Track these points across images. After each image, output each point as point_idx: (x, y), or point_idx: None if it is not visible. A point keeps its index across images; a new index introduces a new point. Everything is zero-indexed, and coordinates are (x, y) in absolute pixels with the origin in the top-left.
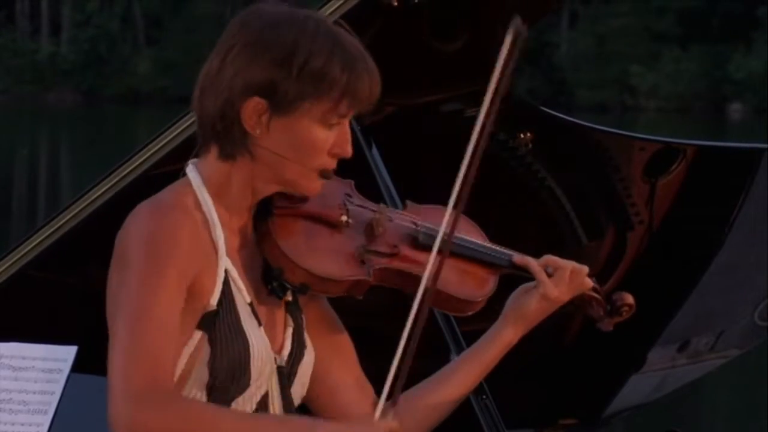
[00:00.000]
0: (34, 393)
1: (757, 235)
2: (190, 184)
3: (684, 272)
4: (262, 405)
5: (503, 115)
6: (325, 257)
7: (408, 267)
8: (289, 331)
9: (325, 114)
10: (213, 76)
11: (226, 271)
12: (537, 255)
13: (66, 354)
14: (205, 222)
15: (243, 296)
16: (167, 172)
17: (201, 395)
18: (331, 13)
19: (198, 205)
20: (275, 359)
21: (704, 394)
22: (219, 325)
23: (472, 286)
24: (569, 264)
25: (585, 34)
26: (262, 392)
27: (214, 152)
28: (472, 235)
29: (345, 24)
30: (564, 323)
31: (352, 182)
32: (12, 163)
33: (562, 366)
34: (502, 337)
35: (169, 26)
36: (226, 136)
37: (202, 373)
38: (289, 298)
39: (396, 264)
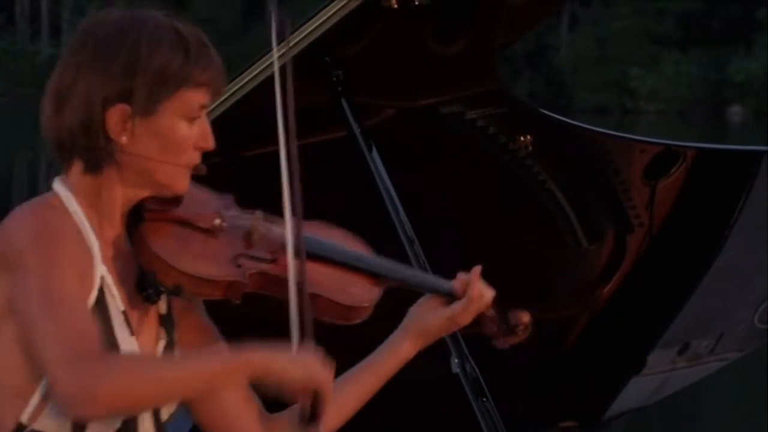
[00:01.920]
0: None
1: (757, 238)
2: (57, 196)
3: (684, 275)
4: (132, 422)
5: (504, 117)
6: (198, 259)
7: (286, 273)
8: (161, 344)
9: (185, 109)
10: (67, 90)
11: (102, 277)
12: (537, 256)
13: None
14: (79, 230)
15: (117, 304)
16: None
17: None
18: (330, 16)
19: (68, 213)
20: None
21: (704, 395)
22: None
23: (355, 293)
24: (482, 288)
25: (585, 36)
26: None
27: (78, 167)
28: (355, 247)
29: (178, 17)
30: (564, 326)
31: (233, 197)
32: (12, 165)
33: (562, 369)
34: (401, 351)
35: None
36: (91, 149)
37: None
38: (163, 311)
39: (272, 270)
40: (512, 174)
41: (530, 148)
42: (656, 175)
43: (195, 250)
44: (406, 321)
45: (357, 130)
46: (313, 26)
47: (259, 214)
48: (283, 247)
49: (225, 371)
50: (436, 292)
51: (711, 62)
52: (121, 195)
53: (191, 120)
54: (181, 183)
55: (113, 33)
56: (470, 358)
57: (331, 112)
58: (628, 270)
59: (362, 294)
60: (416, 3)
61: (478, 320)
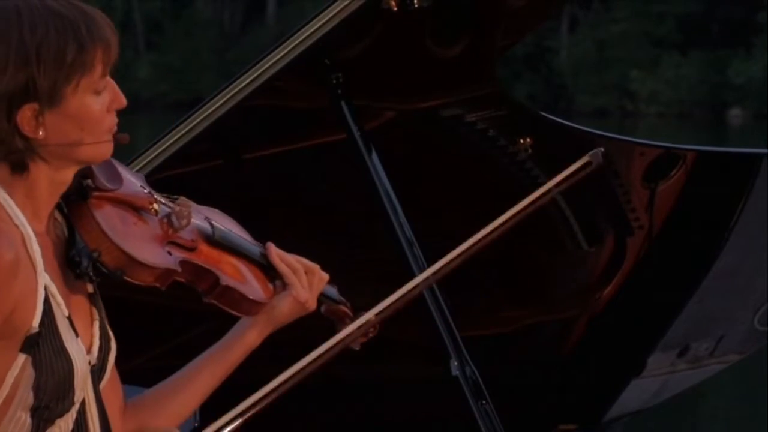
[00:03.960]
0: None
1: (757, 241)
2: (0, 205)
3: (684, 277)
4: (81, 413)
5: (503, 120)
6: (140, 243)
7: (205, 262)
8: (96, 324)
9: (89, 86)
10: None
11: (45, 288)
12: (537, 258)
13: None
14: (22, 238)
15: (62, 310)
16: (167, 176)
17: (26, 416)
18: (330, 19)
19: (10, 219)
20: (89, 362)
21: (704, 398)
22: (42, 346)
23: (256, 286)
24: (304, 264)
25: (585, 39)
26: (80, 400)
27: (5, 170)
28: (244, 235)
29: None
30: (564, 328)
31: (143, 175)
32: None
33: (561, 371)
34: (246, 339)
35: (169, 31)
36: (11, 152)
37: (26, 396)
38: (90, 289)
39: (195, 258)
40: (512, 176)
41: (530, 150)
42: (656, 177)
43: (134, 231)
44: None
45: (357, 133)
46: (313, 29)
47: (182, 199)
48: (200, 235)
49: None
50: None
51: (711, 65)
52: (53, 182)
53: (98, 93)
54: (106, 151)
55: None
56: (470, 360)
57: (331, 114)
58: (627, 272)
59: (263, 288)
60: (416, 5)
61: (337, 317)
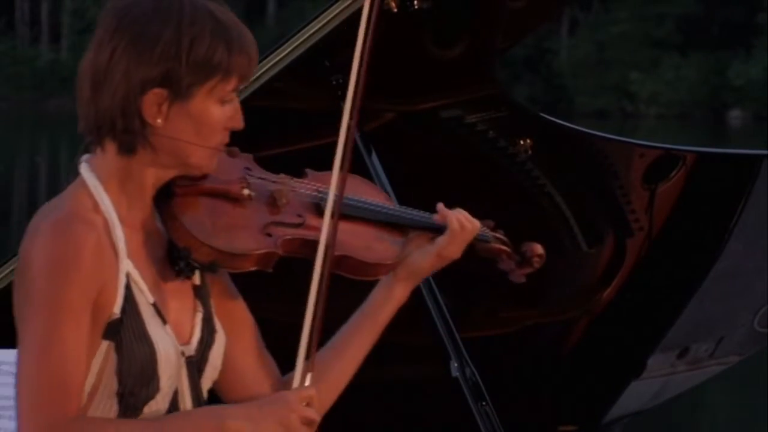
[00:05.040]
0: None
1: (757, 242)
2: (85, 186)
3: (683, 279)
4: (174, 403)
5: (503, 121)
6: (231, 233)
7: (315, 235)
8: (199, 317)
9: (219, 93)
10: (103, 73)
11: (127, 274)
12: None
13: None
14: (105, 225)
15: (146, 297)
16: None
17: (112, 404)
18: (330, 20)
19: (96, 207)
20: (183, 352)
21: (704, 399)
22: (124, 332)
23: (380, 249)
24: (462, 217)
25: (585, 40)
26: (172, 392)
27: (111, 148)
28: (377, 198)
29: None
30: (564, 330)
31: (252, 156)
32: (12, 170)
33: (561, 372)
34: (394, 294)
35: None
36: (127, 131)
37: (111, 382)
38: (197, 281)
39: (302, 233)
40: (512, 178)
41: (530, 151)
42: (656, 179)
43: (226, 222)
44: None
45: (356, 135)
46: (313, 30)
47: (282, 176)
48: (309, 208)
49: None
50: (420, 228)
51: (711, 66)
52: (153, 176)
53: (223, 102)
54: (211, 163)
55: (152, 16)
56: (470, 361)
57: (331, 116)
58: (627, 274)
59: (386, 250)
60: (416, 6)
61: (494, 256)
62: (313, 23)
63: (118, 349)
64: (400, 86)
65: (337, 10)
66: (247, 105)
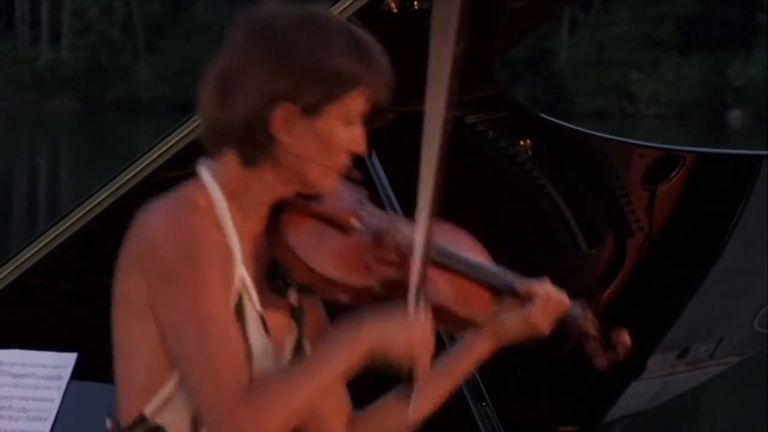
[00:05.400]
0: (34, 400)
1: (757, 242)
2: (203, 187)
3: (684, 279)
4: None
5: (503, 121)
6: (332, 259)
7: (413, 280)
8: (291, 338)
9: (347, 114)
10: (234, 82)
11: (241, 279)
12: (535, 262)
13: (66, 361)
14: (219, 227)
15: (254, 305)
16: (167, 179)
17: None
18: None
19: (211, 207)
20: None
21: (704, 400)
22: None
23: (474, 305)
24: (544, 288)
25: (585, 41)
26: None
27: (233, 157)
28: (476, 255)
29: (353, 20)
30: (563, 330)
31: (367, 192)
32: (12, 170)
33: (561, 373)
34: (475, 349)
35: (169, 34)
36: (251, 142)
37: None
38: (295, 303)
39: (400, 275)
40: (511, 178)
41: (530, 152)
42: (656, 179)
43: (330, 249)
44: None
45: None
46: None
47: (391, 215)
48: (412, 253)
49: (350, 363)
50: (513, 292)
51: (711, 66)
52: (270, 190)
53: (349, 124)
54: (329, 184)
55: (288, 30)
56: None
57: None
58: (627, 274)
59: (481, 307)
60: (416, 7)
61: (580, 338)
62: None
63: None
64: (400, 86)
65: (337, 11)
66: None
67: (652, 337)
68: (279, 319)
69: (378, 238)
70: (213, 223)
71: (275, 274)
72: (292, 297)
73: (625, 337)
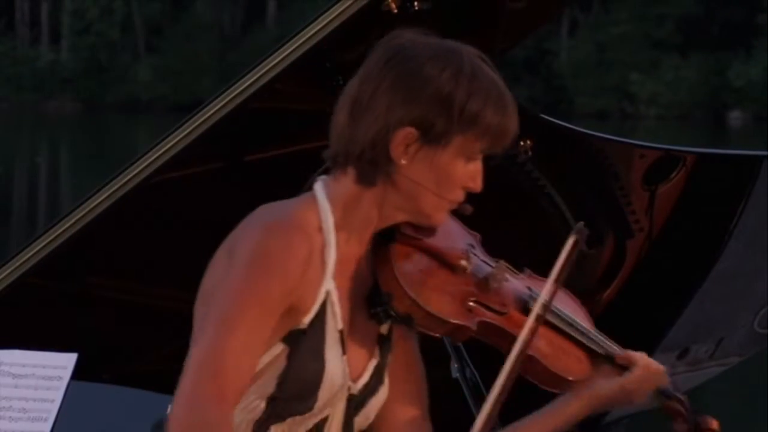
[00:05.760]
0: (34, 400)
1: (757, 243)
2: (315, 203)
3: (683, 280)
4: (318, 427)
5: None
6: (435, 294)
7: (512, 329)
8: (373, 363)
9: (470, 150)
10: (364, 104)
11: (327, 292)
12: (536, 262)
13: (66, 361)
14: (322, 245)
15: (336, 322)
16: (167, 179)
17: (259, 404)
18: (330, 21)
19: (319, 226)
20: (349, 387)
21: (704, 400)
22: (302, 344)
23: (568, 363)
24: (643, 358)
25: (585, 41)
26: (322, 416)
27: (351, 175)
28: (579, 318)
29: (486, 59)
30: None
31: (479, 236)
32: (12, 170)
33: None
34: (569, 410)
35: (169, 34)
36: (371, 161)
37: (268, 384)
38: (385, 331)
39: (501, 322)
40: (511, 178)
41: (530, 152)
42: (656, 180)
43: (434, 284)
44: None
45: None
46: (313, 31)
47: (501, 263)
48: (515, 303)
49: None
50: (611, 359)
51: (711, 67)
52: (380, 213)
53: (469, 160)
54: (441, 216)
55: (428, 58)
56: (470, 363)
57: (332, 117)
58: (627, 274)
59: (575, 367)
60: (416, 8)
61: (670, 414)
62: (313, 24)
63: (290, 357)
64: None
65: (338, 12)
66: (247, 106)
67: (652, 338)
68: (364, 343)
69: (485, 283)
70: (313, 242)
71: (376, 301)
72: (384, 326)
73: (713, 424)
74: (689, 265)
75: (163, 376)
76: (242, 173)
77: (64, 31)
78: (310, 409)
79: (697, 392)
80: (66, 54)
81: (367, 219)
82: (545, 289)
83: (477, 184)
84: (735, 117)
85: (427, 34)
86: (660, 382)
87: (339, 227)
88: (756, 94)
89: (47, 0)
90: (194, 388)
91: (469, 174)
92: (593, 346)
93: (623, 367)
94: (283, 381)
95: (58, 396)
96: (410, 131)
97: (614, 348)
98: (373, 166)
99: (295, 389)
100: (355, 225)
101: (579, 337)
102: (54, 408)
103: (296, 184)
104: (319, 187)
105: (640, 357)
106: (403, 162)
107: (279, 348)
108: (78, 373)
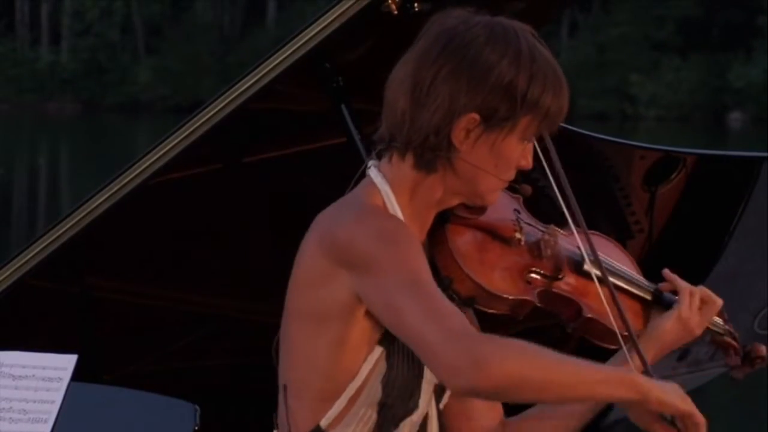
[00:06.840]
0: (35, 402)
1: (757, 244)
2: (376, 189)
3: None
4: (423, 426)
5: None
6: (496, 273)
7: (570, 292)
8: None
9: (527, 132)
10: (426, 88)
11: None
12: None
13: (66, 362)
14: None
15: None
16: (167, 180)
17: (372, 413)
18: (330, 22)
19: (385, 208)
20: (434, 381)
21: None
22: (398, 342)
23: (629, 317)
24: (699, 288)
25: (585, 43)
26: (424, 413)
27: (409, 160)
28: (626, 265)
29: (536, 34)
30: (565, 331)
31: (521, 198)
32: (12, 171)
33: None
34: (636, 363)
35: (168, 35)
36: (432, 147)
37: (375, 390)
38: None
39: (558, 288)
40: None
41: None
42: (656, 181)
43: (491, 261)
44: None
45: (357, 137)
46: (313, 32)
47: (552, 227)
48: (569, 264)
49: (608, 383)
50: (662, 298)
51: (711, 68)
52: (439, 198)
53: (523, 141)
54: (495, 196)
55: (486, 43)
56: None
57: (331, 118)
58: None
59: (633, 321)
60: (416, 9)
61: (722, 348)
62: (313, 25)
63: (389, 358)
64: None
65: (338, 12)
66: (247, 108)
67: None
68: None
69: (538, 251)
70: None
71: (439, 286)
72: None
73: (762, 350)
74: (689, 266)
75: (163, 377)
76: (242, 174)
77: (64, 33)
78: (416, 408)
79: (696, 392)
80: (66, 55)
81: (429, 204)
82: (591, 248)
83: (528, 162)
84: (735, 118)
85: (476, 10)
86: (711, 307)
87: (404, 213)
88: (756, 95)
89: (47, 1)
90: (440, 333)
91: (523, 154)
92: (643, 294)
93: (670, 305)
94: (387, 383)
95: (59, 397)
96: (473, 117)
97: (657, 284)
98: (434, 151)
99: (399, 390)
100: (418, 211)
101: (631, 288)
102: (54, 409)
103: (296, 185)
104: (375, 174)
105: (682, 281)
106: (464, 147)
107: (378, 352)
108: (78, 375)
